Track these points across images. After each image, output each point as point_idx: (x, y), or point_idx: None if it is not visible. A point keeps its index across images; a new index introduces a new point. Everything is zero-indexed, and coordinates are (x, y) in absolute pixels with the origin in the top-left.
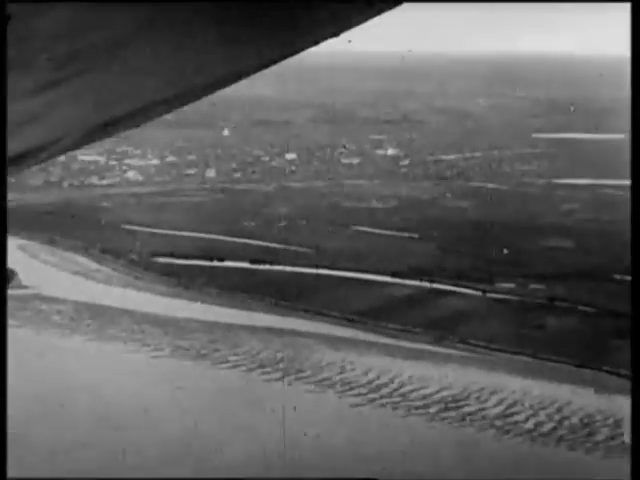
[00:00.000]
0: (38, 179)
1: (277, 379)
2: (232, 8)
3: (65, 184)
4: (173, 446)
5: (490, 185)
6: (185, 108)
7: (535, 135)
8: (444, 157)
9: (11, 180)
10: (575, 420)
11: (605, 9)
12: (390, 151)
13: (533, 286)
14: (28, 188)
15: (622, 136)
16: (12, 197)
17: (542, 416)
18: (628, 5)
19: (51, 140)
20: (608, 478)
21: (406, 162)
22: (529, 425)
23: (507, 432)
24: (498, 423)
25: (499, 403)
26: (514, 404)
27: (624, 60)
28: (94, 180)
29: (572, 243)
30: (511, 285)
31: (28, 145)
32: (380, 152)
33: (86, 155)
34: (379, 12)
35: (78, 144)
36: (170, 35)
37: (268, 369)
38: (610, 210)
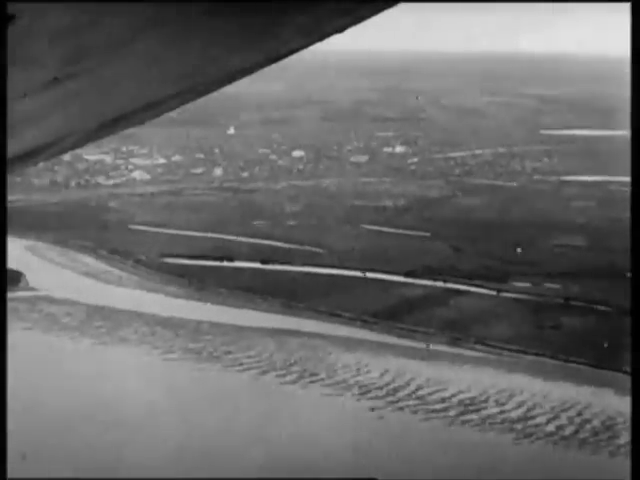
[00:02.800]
0: (44, 179)
1: (292, 382)
2: (235, 5)
3: (72, 184)
4: (185, 451)
5: (500, 183)
6: (189, 106)
7: (543, 132)
8: (452, 155)
9: (17, 180)
10: (597, 423)
11: (606, 9)
12: (398, 149)
13: (548, 285)
14: (34, 188)
15: (627, 132)
16: (18, 197)
17: (563, 419)
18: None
19: (56, 137)
20: None
21: (414, 160)
22: (550, 428)
23: (528, 435)
24: (519, 426)
25: (519, 406)
26: (534, 407)
27: (627, 59)
28: (100, 180)
29: (585, 241)
30: (526, 284)
31: (34, 143)
32: (388, 150)
33: (92, 154)
34: (383, 8)
35: (83, 141)
36: (173, 33)
37: (282, 372)
38: (622, 207)
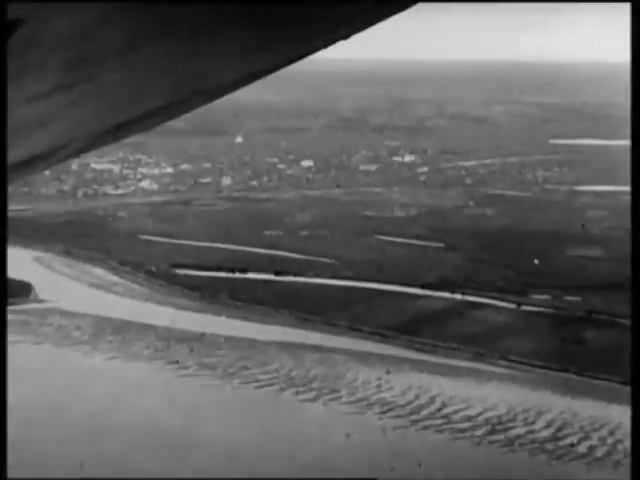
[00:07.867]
0: (51, 188)
1: (311, 399)
2: (240, 12)
3: (79, 193)
4: (207, 471)
5: (512, 192)
6: (196, 115)
7: (552, 141)
8: (462, 164)
9: (24, 189)
10: (629, 444)
11: (607, 11)
12: (407, 158)
13: (568, 298)
14: (41, 197)
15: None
16: (26, 207)
17: (594, 439)
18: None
19: (59, 144)
20: None
21: (424, 169)
22: (582, 449)
23: (560, 457)
24: (549, 447)
25: (548, 425)
26: (564, 426)
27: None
28: (108, 189)
29: (602, 252)
30: (546, 297)
31: (39, 148)
32: (397, 159)
33: (99, 163)
34: (388, 14)
35: (86, 149)
36: (180, 39)
37: (301, 388)
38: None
